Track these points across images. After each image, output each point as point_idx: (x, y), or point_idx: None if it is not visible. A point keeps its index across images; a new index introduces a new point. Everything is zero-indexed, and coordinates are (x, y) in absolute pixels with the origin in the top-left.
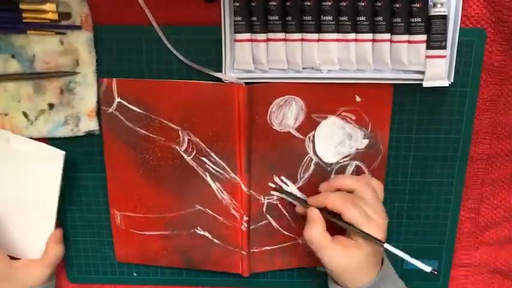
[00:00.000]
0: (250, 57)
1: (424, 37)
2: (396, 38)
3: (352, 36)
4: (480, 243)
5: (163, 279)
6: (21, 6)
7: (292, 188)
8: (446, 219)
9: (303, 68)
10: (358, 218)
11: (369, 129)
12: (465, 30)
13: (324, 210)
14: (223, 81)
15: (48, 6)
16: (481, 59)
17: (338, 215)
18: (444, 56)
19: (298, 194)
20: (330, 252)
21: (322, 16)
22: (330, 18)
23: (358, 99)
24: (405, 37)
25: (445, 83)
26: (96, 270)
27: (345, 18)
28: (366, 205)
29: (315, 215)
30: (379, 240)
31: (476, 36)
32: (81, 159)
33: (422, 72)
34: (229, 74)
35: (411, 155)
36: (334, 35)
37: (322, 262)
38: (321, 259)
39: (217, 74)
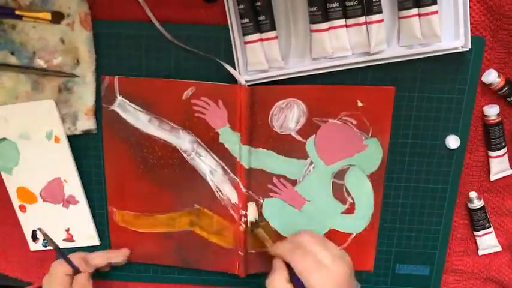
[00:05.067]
0: (263, 57)
1: (435, 8)
2: (405, 13)
3: (362, 19)
4: (473, 250)
5: (158, 276)
6: (17, 13)
7: None
8: (440, 225)
9: (313, 59)
10: (303, 269)
11: (370, 134)
12: None
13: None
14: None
15: (43, 15)
16: (479, 66)
17: None
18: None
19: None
20: None
21: (328, 4)
22: (336, 5)
23: (359, 104)
24: (415, 11)
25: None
26: None
27: (355, 2)
28: (323, 251)
29: (277, 264)
30: None
31: (474, 44)
32: (78, 158)
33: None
34: (244, 76)
35: (406, 160)
36: (343, 21)
37: None
38: None
39: (233, 72)
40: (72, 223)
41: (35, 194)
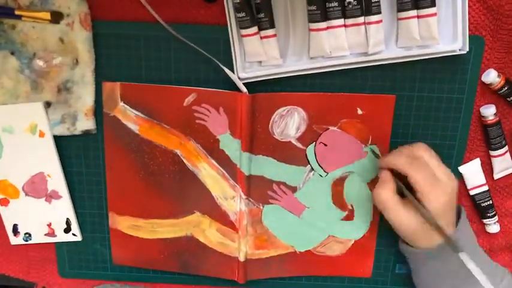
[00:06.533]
0: (260, 48)
1: (434, 10)
2: (404, 14)
3: (361, 19)
4: None
5: (158, 276)
6: (17, 12)
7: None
8: None
9: (311, 58)
10: (422, 181)
11: (369, 141)
12: None
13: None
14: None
15: (42, 15)
16: (479, 66)
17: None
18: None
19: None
20: (395, 214)
21: (327, 3)
22: (336, 4)
23: (359, 111)
24: (413, 12)
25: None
26: (87, 266)
27: (354, 2)
28: (440, 167)
29: (385, 176)
30: (430, 218)
31: (474, 43)
32: (77, 157)
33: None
34: (242, 73)
35: None
36: (342, 21)
37: (390, 223)
38: (388, 220)
39: (234, 78)
40: (54, 218)
41: (17, 188)
